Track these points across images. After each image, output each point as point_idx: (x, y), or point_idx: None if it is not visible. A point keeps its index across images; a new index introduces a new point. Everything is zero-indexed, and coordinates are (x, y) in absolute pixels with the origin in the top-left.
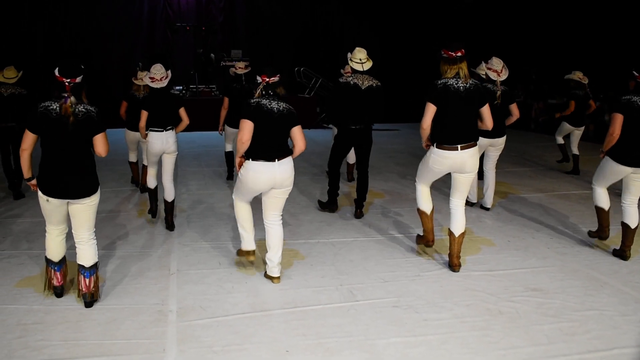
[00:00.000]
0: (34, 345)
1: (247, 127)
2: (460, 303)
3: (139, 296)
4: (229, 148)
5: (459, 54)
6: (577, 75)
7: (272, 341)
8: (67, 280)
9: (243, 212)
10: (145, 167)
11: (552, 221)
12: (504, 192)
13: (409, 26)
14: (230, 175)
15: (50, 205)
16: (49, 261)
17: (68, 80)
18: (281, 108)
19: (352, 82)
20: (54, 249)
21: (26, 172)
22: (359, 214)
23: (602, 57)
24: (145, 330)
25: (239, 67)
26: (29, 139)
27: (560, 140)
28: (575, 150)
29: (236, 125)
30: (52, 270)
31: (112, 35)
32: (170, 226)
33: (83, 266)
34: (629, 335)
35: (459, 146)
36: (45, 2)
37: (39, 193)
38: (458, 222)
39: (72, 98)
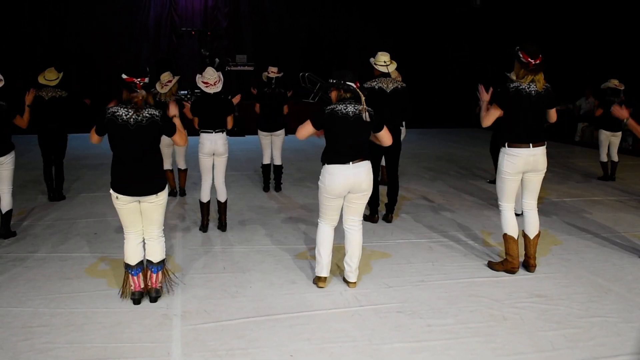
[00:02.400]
0: (40, 348)
1: (307, 128)
2: (465, 309)
3: (144, 300)
4: (266, 160)
5: (538, 61)
6: (614, 82)
7: (277, 345)
8: (146, 285)
9: (323, 237)
10: (180, 172)
11: (557, 227)
12: None
13: (415, 29)
14: (267, 187)
15: (120, 204)
16: (126, 266)
17: (138, 79)
18: (357, 111)
19: (376, 87)
20: (131, 253)
21: None
22: (389, 219)
23: (609, 61)
24: (151, 334)
25: (272, 72)
26: (94, 138)
27: (603, 157)
28: (615, 157)
29: (269, 129)
30: (130, 275)
31: (117, 39)
32: (222, 227)
33: (151, 262)
34: (633, 342)
35: (530, 144)
36: (47, 3)
37: (111, 191)
38: (532, 225)
39: (143, 92)
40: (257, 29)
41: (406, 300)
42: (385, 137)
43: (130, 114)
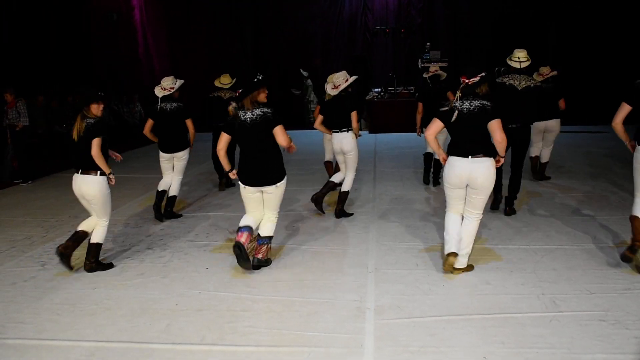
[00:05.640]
0: (242, 331)
1: (434, 124)
2: None
3: (338, 291)
4: (429, 149)
5: None
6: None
7: (469, 346)
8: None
9: (449, 220)
10: (327, 163)
11: None
12: None
13: (618, 17)
14: (427, 179)
15: (246, 193)
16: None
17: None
18: (472, 107)
19: (507, 83)
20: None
21: (225, 165)
22: (508, 212)
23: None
24: (344, 325)
25: (431, 70)
26: (223, 140)
27: None
28: None
29: None
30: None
31: (312, 40)
32: (338, 214)
33: (259, 235)
34: None
35: None
36: (252, 11)
37: (239, 183)
38: None
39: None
40: (451, 25)
41: (610, 309)
42: (493, 127)
43: (246, 114)
